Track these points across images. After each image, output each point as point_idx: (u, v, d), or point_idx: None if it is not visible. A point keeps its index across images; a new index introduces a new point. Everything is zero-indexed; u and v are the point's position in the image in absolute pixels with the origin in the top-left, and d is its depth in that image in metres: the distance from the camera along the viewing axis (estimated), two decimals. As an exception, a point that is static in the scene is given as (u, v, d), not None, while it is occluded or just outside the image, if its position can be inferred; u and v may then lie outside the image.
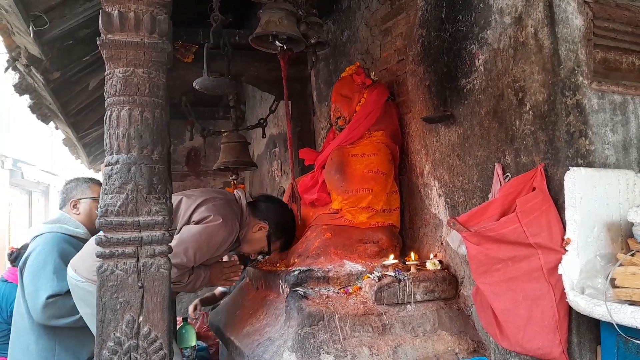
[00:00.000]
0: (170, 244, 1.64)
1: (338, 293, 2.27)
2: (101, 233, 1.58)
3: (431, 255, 2.48)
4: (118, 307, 1.55)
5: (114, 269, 1.56)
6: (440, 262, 2.42)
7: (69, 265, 2.21)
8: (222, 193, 2.47)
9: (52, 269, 2.35)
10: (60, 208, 2.63)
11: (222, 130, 3.92)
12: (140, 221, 1.56)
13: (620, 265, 1.62)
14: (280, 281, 2.37)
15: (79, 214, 2.62)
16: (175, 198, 2.25)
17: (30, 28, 2.53)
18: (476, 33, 2.15)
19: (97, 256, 1.55)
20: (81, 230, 2.57)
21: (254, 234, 2.49)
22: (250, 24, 3.91)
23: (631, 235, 1.74)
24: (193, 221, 2.23)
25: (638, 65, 1.95)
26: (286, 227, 2.61)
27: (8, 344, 2.48)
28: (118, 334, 1.54)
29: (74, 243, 2.48)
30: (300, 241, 2.69)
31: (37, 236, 2.49)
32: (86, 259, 2.13)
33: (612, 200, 1.78)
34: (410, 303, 2.25)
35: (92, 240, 2.21)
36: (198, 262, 2.22)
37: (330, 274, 2.32)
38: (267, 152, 5.19)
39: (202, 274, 2.31)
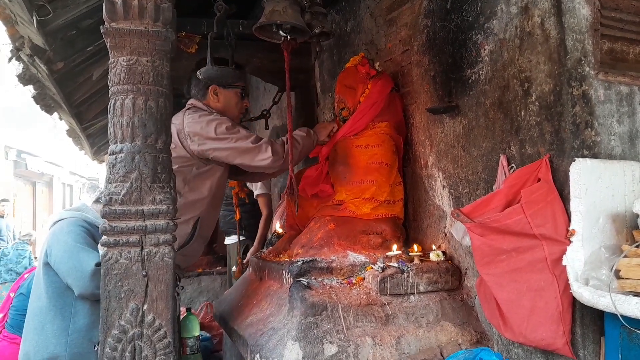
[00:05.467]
0: (175, 224, 1.65)
1: (341, 283, 2.27)
2: (105, 222, 1.59)
3: (434, 247, 2.48)
4: (122, 295, 1.56)
5: (119, 257, 1.57)
6: (444, 253, 2.42)
7: None
8: (175, 117, 2.54)
9: (87, 242, 2.40)
10: (94, 202, 2.65)
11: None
12: (144, 210, 1.57)
13: (625, 256, 1.61)
14: (283, 271, 2.37)
15: None
16: None
17: (34, 18, 2.52)
18: (482, 23, 2.14)
19: (102, 245, 1.56)
20: (101, 221, 2.58)
21: (217, 102, 2.63)
22: (254, 14, 3.89)
23: (636, 227, 1.74)
24: (199, 144, 2.39)
25: (645, 56, 1.94)
26: (218, 63, 2.60)
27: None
28: (122, 322, 1.55)
29: (94, 231, 2.50)
30: (304, 232, 2.69)
31: (58, 221, 2.52)
32: None
33: (618, 191, 1.77)
34: (413, 294, 2.25)
35: None
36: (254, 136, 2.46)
37: (334, 265, 2.32)
38: (270, 144, 5.16)
39: (301, 133, 2.64)
